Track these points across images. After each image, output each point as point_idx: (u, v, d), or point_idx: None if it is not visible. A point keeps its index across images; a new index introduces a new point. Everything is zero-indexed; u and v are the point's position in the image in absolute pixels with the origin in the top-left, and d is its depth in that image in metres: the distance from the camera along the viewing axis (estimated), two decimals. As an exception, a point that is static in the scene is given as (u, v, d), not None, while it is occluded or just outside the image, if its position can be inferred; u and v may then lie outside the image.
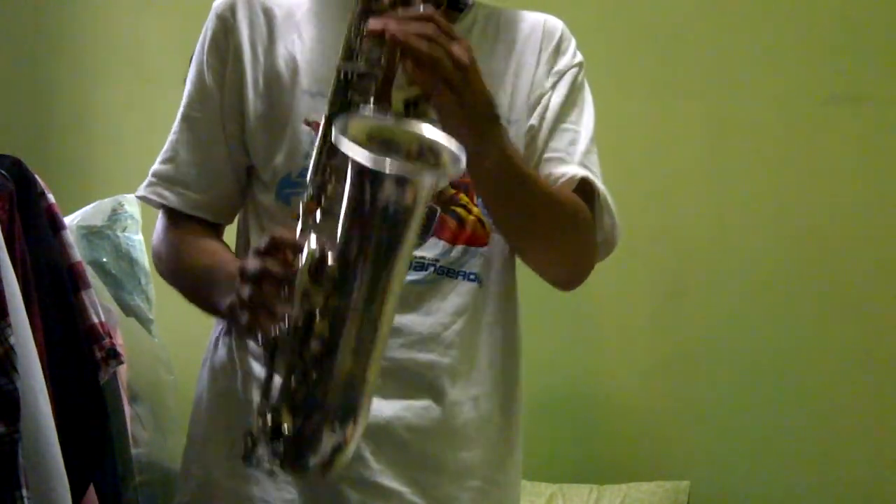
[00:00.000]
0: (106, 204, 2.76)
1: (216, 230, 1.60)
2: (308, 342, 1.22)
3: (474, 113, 1.32)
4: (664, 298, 2.95)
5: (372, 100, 1.30)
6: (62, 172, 3.10)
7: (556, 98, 1.55)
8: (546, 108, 1.55)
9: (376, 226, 1.17)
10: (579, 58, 1.60)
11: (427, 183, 1.17)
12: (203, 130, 1.56)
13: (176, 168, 1.57)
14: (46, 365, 2.02)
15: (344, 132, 1.15)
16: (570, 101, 1.57)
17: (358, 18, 1.34)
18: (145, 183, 1.59)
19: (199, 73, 1.57)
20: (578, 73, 1.59)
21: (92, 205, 2.77)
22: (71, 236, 2.22)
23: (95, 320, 2.18)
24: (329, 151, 1.31)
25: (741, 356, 2.89)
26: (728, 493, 2.90)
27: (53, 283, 2.11)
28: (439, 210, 1.49)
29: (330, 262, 1.20)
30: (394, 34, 1.27)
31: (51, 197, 2.16)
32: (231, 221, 1.62)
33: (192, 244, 1.56)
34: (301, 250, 1.23)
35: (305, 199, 1.31)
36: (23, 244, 2.04)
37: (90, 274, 2.31)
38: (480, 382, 1.53)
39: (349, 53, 1.34)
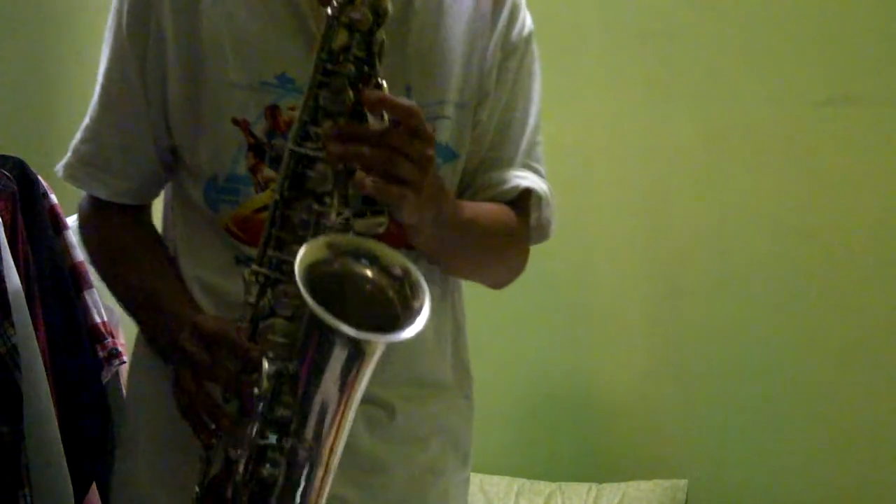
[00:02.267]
0: (107, 204, 2.76)
1: (143, 208, 1.50)
2: (256, 469, 1.20)
3: (423, 199, 1.26)
4: (662, 298, 2.96)
5: (329, 190, 1.22)
6: (64, 173, 3.10)
7: (504, 87, 1.45)
8: (494, 100, 1.44)
9: (328, 371, 1.15)
10: (528, 27, 1.48)
11: (383, 345, 1.15)
12: (124, 111, 1.42)
13: (97, 149, 1.44)
14: (49, 364, 2.02)
15: (303, 261, 1.13)
16: (517, 88, 1.46)
17: (313, 94, 1.23)
18: (65, 161, 1.46)
19: (119, 48, 1.40)
20: (527, 50, 1.47)
21: (93, 205, 2.77)
22: (73, 237, 2.22)
23: (98, 320, 2.18)
24: (278, 243, 1.25)
25: (739, 356, 2.89)
26: (726, 491, 2.91)
27: (56, 284, 2.11)
28: None
29: (281, 395, 1.18)
30: (354, 155, 1.20)
31: (53, 197, 2.16)
32: (157, 196, 1.51)
33: (120, 249, 1.46)
34: (248, 360, 1.20)
35: (251, 294, 1.25)
36: (26, 244, 2.04)
37: (92, 274, 2.32)
38: (424, 384, 1.47)
39: (302, 135, 1.23)
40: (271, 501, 1.19)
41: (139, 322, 1.45)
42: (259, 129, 1.36)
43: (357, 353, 1.14)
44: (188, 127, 1.39)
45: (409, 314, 1.16)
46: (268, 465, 1.18)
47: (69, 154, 1.46)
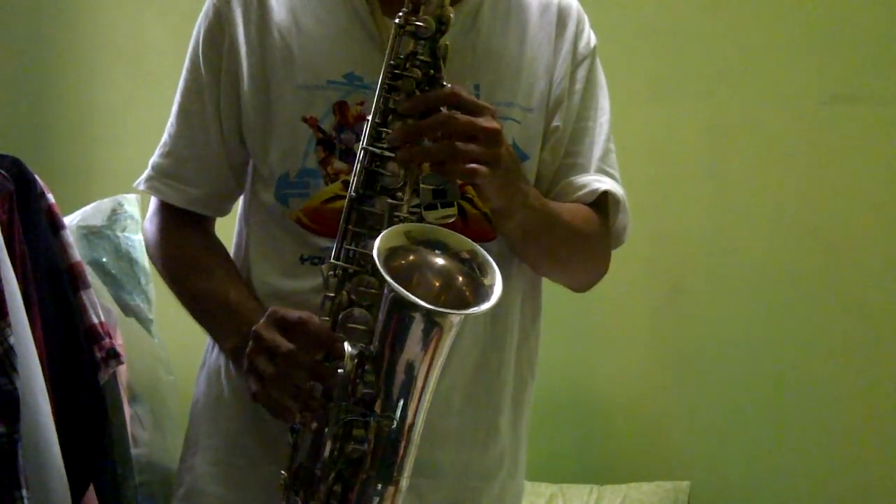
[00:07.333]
0: (106, 204, 2.76)
1: (209, 220, 1.61)
2: (342, 449, 1.26)
3: (506, 174, 1.34)
4: (664, 298, 2.95)
5: (400, 185, 1.31)
6: (62, 172, 3.09)
7: (576, 97, 1.54)
8: (567, 108, 1.53)
9: (409, 348, 1.23)
10: (594, 41, 1.59)
11: (459, 320, 1.23)
12: (199, 125, 1.54)
13: (174, 162, 1.56)
14: (46, 365, 2.01)
15: (379, 247, 1.21)
16: (588, 96, 1.56)
17: (383, 97, 1.34)
18: (145, 175, 1.59)
19: (195, 67, 1.54)
20: (594, 61, 1.59)
21: (92, 205, 2.76)
22: (71, 236, 2.21)
23: (95, 320, 2.17)
24: (354, 237, 1.33)
25: (741, 356, 2.88)
26: (728, 493, 2.90)
27: (53, 283, 2.10)
28: None
29: (365, 371, 1.25)
30: (421, 154, 1.29)
31: (50, 197, 2.15)
32: (226, 213, 1.62)
33: (193, 258, 1.55)
34: (332, 347, 1.27)
35: (330, 288, 1.33)
36: (22, 244, 2.03)
37: (90, 274, 2.30)
38: (484, 387, 1.50)
39: (374, 135, 1.33)
40: (360, 476, 1.26)
41: (208, 327, 1.54)
42: (328, 124, 1.46)
43: (434, 328, 1.22)
44: (261, 131, 1.49)
45: (482, 292, 1.24)
46: (355, 443, 1.25)
47: (149, 169, 1.59)
